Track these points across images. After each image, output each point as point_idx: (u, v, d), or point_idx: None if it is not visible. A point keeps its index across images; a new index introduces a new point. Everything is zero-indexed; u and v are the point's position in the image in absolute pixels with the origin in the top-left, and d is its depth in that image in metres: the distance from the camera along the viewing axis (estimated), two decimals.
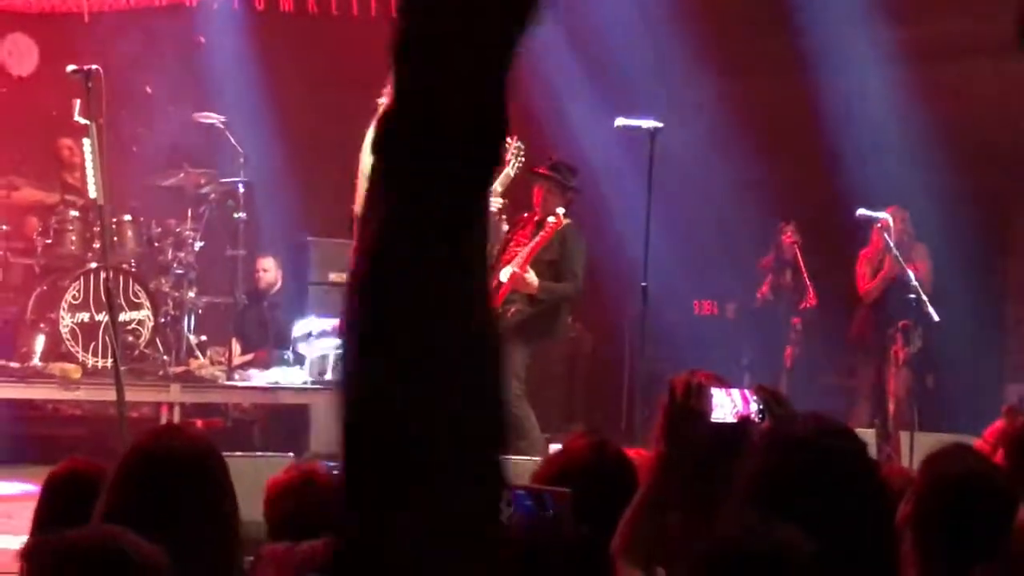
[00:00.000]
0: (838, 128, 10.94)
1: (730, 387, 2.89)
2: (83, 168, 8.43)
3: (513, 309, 8.20)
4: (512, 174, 6.91)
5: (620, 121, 7.45)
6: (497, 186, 6.84)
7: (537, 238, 8.00)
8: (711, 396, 2.85)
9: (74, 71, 6.12)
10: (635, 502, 2.89)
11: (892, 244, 9.24)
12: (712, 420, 2.84)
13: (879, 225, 9.38)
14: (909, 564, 2.86)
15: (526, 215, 8.46)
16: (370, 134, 6.57)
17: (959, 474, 2.96)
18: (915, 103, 10.43)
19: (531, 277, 8.08)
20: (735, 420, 2.87)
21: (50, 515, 3.46)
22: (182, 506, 2.81)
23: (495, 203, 6.80)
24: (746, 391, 2.90)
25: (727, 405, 2.86)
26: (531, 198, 8.36)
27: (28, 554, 2.26)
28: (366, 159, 6.42)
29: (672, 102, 10.43)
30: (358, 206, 6.36)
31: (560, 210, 7.97)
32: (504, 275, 8.08)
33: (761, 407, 2.89)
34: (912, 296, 9.01)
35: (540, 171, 8.19)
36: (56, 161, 10.20)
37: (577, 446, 3.22)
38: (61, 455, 4.04)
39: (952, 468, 2.98)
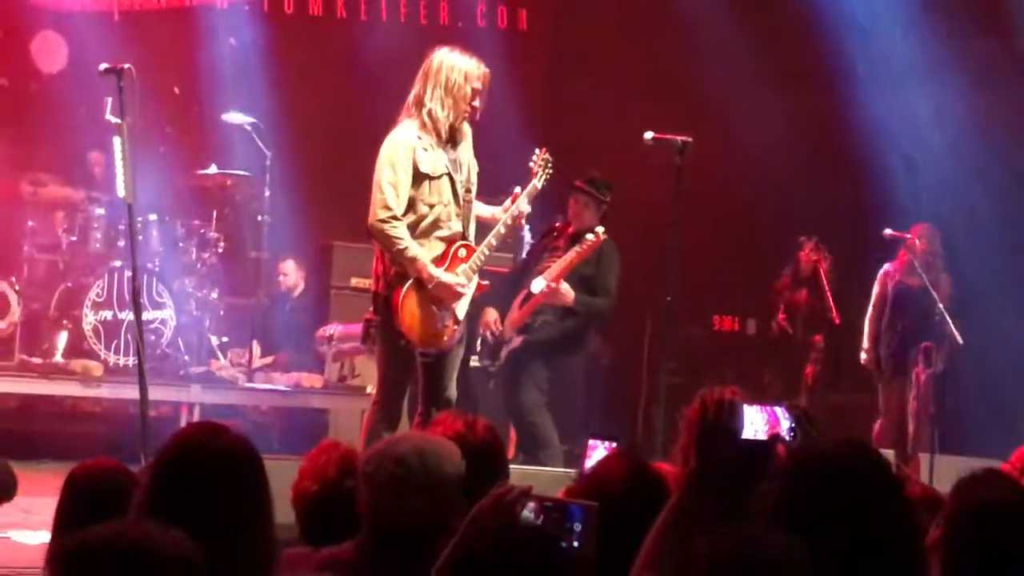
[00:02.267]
0: (872, 145, 10.89)
1: (762, 404, 2.86)
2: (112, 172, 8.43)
3: (540, 320, 8.12)
4: (539, 186, 6.76)
5: (649, 135, 7.34)
6: (524, 199, 6.67)
7: (573, 253, 7.87)
8: (742, 413, 2.82)
9: (107, 70, 6.07)
10: (661, 518, 2.87)
11: (918, 264, 9.21)
12: (743, 437, 2.82)
13: (905, 245, 9.36)
14: None
15: (558, 224, 8.37)
16: (392, 137, 6.49)
17: (991, 500, 2.92)
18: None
19: (566, 288, 7.95)
20: (766, 438, 2.84)
21: (71, 513, 3.45)
22: (224, 504, 2.78)
23: (523, 207, 6.65)
24: (779, 408, 2.87)
25: (758, 422, 2.83)
26: (563, 206, 8.30)
27: (60, 555, 2.21)
28: (382, 166, 6.30)
29: (702, 113, 10.39)
30: (372, 217, 6.25)
31: (600, 228, 7.86)
32: (536, 287, 7.99)
33: (792, 425, 2.86)
34: (936, 318, 8.97)
35: (578, 185, 8.12)
36: (88, 171, 10.23)
37: (614, 468, 3.17)
38: (80, 452, 4.02)
39: (984, 494, 2.95)
